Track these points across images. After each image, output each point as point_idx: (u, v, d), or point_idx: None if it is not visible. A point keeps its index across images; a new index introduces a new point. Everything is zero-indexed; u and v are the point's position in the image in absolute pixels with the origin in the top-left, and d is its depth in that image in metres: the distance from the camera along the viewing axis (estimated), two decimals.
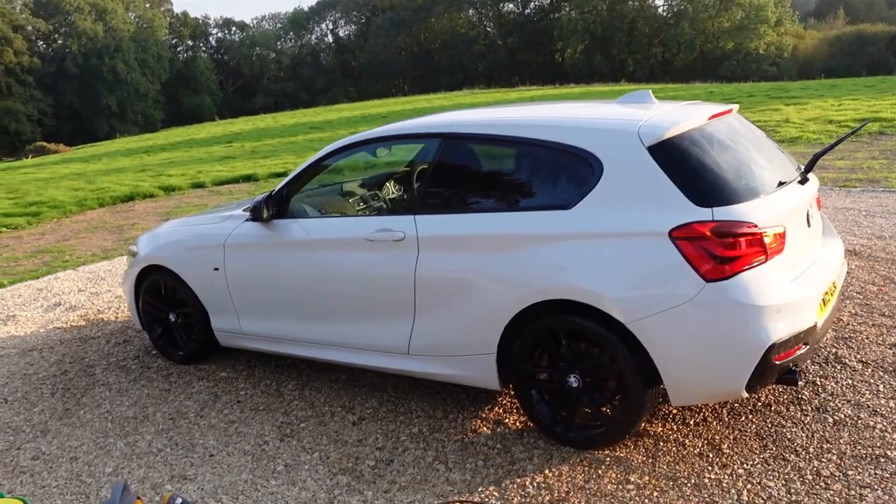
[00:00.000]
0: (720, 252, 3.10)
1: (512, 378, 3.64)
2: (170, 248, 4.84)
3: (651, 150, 3.29)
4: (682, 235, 3.14)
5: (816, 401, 3.74)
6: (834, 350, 4.28)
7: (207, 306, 4.71)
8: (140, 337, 5.58)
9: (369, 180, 5.27)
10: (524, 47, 66.84)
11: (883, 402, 3.67)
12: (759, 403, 3.76)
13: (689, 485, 3.14)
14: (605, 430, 3.43)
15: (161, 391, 4.60)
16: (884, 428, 3.44)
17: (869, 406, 3.64)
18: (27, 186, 18.16)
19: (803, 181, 3.63)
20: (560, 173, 3.58)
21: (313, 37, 77.44)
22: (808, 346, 3.30)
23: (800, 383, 3.40)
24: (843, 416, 3.58)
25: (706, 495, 3.06)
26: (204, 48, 75.79)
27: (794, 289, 3.24)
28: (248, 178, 15.32)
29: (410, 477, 3.40)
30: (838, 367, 4.07)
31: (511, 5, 70.02)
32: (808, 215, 3.59)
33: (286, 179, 4.39)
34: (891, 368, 4.00)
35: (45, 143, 41.43)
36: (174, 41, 72.19)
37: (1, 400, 4.68)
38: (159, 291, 4.97)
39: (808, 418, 3.59)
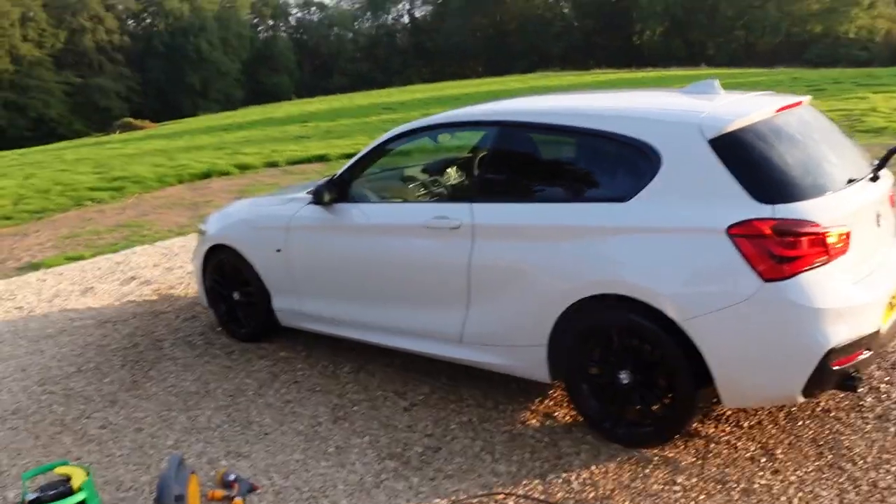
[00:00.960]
0: (779, 251, 3.00)
1: (562, 371, 3.62)
2: (235, 228, 4.99)
3: (712, 144, 3.21)
4: (741, 232, 3.05)
5: (879, 408, 3.60)
6: None
7: (269, 286, 4.83)
8: (207, 313, 5.77)
9: (431, 165, 5.29)
10: (601, 29, 65.50)
11: None
12: (818, 409, 3.64)
13: (737, 489, 3.08)
14: (654, 429, 3.39)
15: (223, 368, 4.76)
16: None
17: None
18: (113, 161, 18.89)
19: (875, 178, 3.48)
20: (618, 165, 3.53)
21: (390, 17, 77.66)
22: (870, 352, 3.18)
23: (860, 389, 3.28)
24: None
25: (754, 501, 3.00)
26: (284, 28, 77.03)
27: (856, 292, 3.12)
28: (320, 159, 15.56)
29: (457, 466, 3.44)
30: None
31: None
32: (877, 215, 3.44)
33: (348, 164, 4.46)
34: None
35: (132, 120, 42.87)
36: (255, 21, 73.58)
37: (75, 369, 4.92)
38: (225, 270, 5.12)
39: (869, 426, 3.46)
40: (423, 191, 4.90)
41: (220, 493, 3.28)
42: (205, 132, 28.05)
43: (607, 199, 3.42)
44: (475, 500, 3.15)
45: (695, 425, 3.57)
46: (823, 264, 3.06)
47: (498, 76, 48.69)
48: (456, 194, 4.71)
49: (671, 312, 3.15)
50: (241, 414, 4.11)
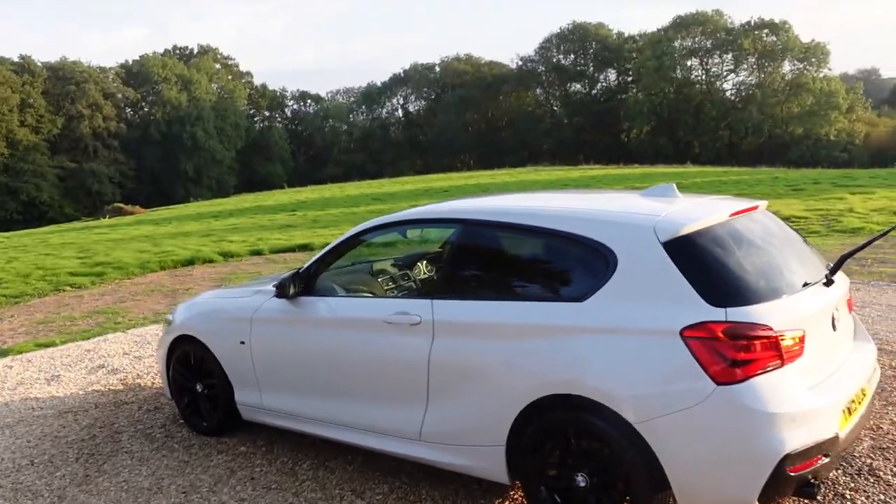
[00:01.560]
0: (732, 354, 3.00)
1: (520, 472, 3.54)
2: (200, 318, 4.96)
3: (666, 246, 3.25)
4: (694, 335, 3.06)
5: None
6: (869, 461, 4.05)
7: (232, 379, 4.77)
8: (170, 405, 5.66)
9: (399, 260, 5.33)
10: (590, 127, 67.41)
11: None
12: None
13: None
14: None
15: (180, 462, 4.64)
16: None
17: None
18: (97, 246, 18.96)
19: (829, 283, 3.51)
20: (575, 265, 3.56)
21: (384, 111, 79.83)
22: (828, 458, 3.14)
23: (818, 497, 3.21)
24: None
25: None
26: (279, 119, 78.97)
27: (812, 396, 3.10)
28: (304, 248, 15.64)
29: None
30: (871, 481, 3.84)
31: (578, 86, 71.09)
32: (833, 318, 3.46)
33: (315, 257, 4.48)
34: None
35: (122, 205, 43.31)
36: (252, 111, 75.42)
37: (28, 462, 4.79)
38: (189, 361, 5.06)
39: None
40: (389, 285, 4.92)
41: None
42: (194, 219, 28.28)
43: (564, 298, 3.44)
44: None
45: None
46: (777, 368, 3.06)
47: (489, 169, 49.70)
48: (419, 290, 4.73)
49: (626, 414, 3.12)
50: None
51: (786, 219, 14.61)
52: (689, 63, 62.43)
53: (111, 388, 6.32)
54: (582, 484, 3.34)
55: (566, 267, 3.63)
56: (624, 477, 3.22)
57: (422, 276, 5.12)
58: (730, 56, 61.84)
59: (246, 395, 4.71)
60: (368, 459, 4.47)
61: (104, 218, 37.43)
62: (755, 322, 3.05)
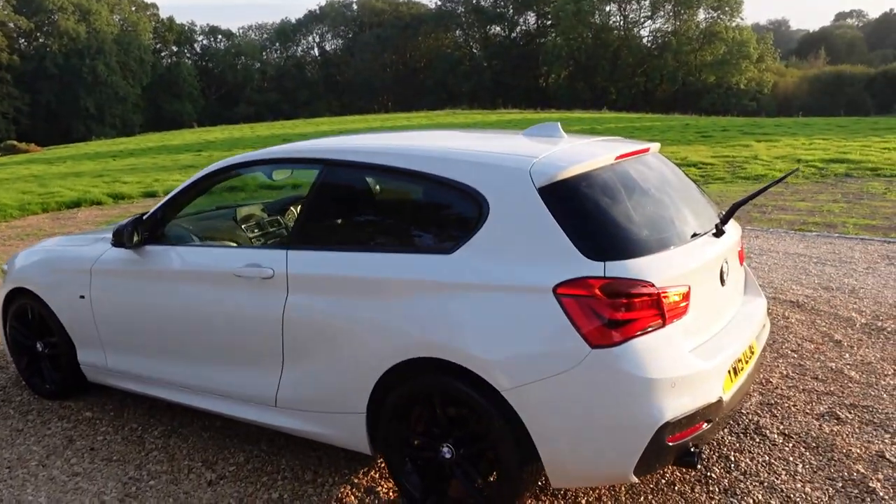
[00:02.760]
0: (610, 314, 2.68)
1: (381, 442, 3.18)
2: (37, 269, 4.37)
3: (542, 192, 2.88)
4: (568, 292, 2.72)
5: (727, 480, 3.32)
6: (756, 418, 3.88)
7: (73, 337, 4.23)
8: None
9: (273, 204, 4.82)
10: (509, 70, 66.82)
11: (798, 486, 3.25)
12: (663, 481, 3.33)
13: None
14: None
15: (12, 431, 4.10)
16: None
17: (783, 491, 3.22)
18: None
19: (719, 234, 3.23)
20: (444, 213, 3.17)
21: (299, 49, 77.06)
22: (710, 424, 2.89)
23: (699, 466, 2.98)
24: (751, 501, 3.15)
25: None
26: (188, 54, 75.16)
27: (694, 360, 2.83)
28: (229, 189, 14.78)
29: None
30: (757, 440, 3.66)
31: (498, 28, 70.12)
32: (722, 272, 3.19)
33: (163, 201, 3.94)
34: (813, 444, 3.59)
35: (15, 143, 40.52)
36: (158, 46, 71.40)
37: None
38: (27, 317, 4.48)
39: (713, 502, 3.16)
40: (255, 233, 4.43)
41: None
42: (91, 158, 26.66)
43: (431, 250, 3.05)
44: None
45: (528, 502, 3.19)
46: (659, 328, 2.76)
47: (406, 111, 48.74)
48: (274, 240, 4.26)
49: (493, 380, 2.78)
50: (12, 491, 3.48)
51: (693, 165, 14.70)
52: (607, 8, 62.20)
53: None
54: (448, 455, 3.01)
55: (434, 215, 3.23)
56: (492, 448, 2.90)
57: (272, 225, 4.61)
58: (647, 2, 62.00)
59: (89, 356, 4.19)
60: (227, 425, 4.05)
61: None
62: (636, 278, 2.73)
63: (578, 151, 3.17)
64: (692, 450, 2.85)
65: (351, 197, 3.46)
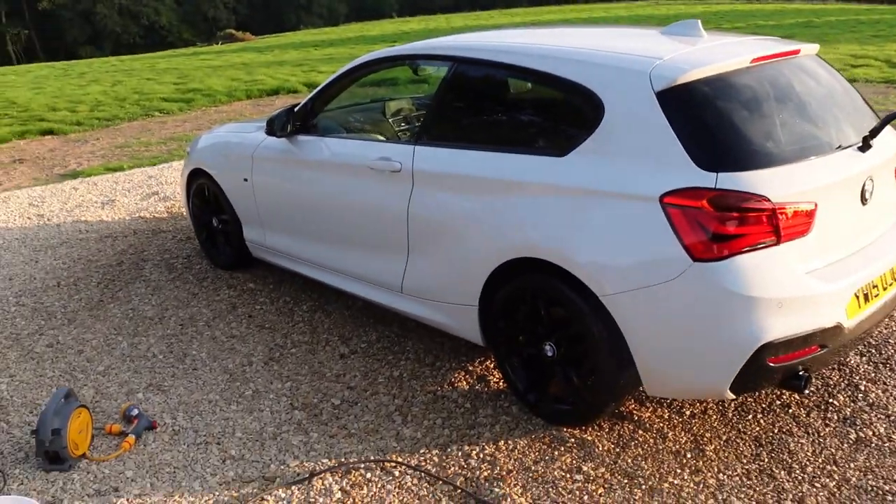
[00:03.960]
0: (715, 227, 2.58)
1: (492, 337, 3.33)
2: (211, 153, 4.84)
3: (660, 96, 2.76)
4: (675, 202, 2.64)
5: (848, 409, 3.15)
6: None
7: (240, 215, 4.70)
8: None
9: (422, 98, 4.95)
10: None
11: None
12: (778, 403, 3.23)
13: (643, 487, 2.76)
14: (573, 408, 3.08)
15: (188, 294, 4.70)
16: None
17: None
18: (196, 73, 19.19)
19: (865, 147, 2.94)
20: (562, 114, 3.15)
21: None
22: (825, 350, 2.74)
23: (807, 391, 2.85)
24: (870, 433, 2.99)
25: (657, 503, 2.68)
26: None
27: (810, 281, 2.67)
28: (388, 83, 15.24)
29: (364, 424, 3.24)
30: None
31: None
32: (863, 190, 2.92)
33: (313, 93, 4.19)
34: None
35: (234, 31, 43.44)
36: None
37: (55, 283, 4.98)
38: (205, 195, 5.01)
39: (828, 430, 3.03)
40: (401, 126, 4.59)
41: (117, 427, 3.22)
42: (296, 47, 28.08)
43: (546, 152, 3.04)
44: (362, 466, 2.96)
45: (630, 407, 3.24)
46: (771, 245, 2.62)
47: (607, 2, 46.50)
48: (407, 134, 4.39)
49: (591, 285, 2.80)
50: (181, 345, 4.03)
51: None
52: None
53: (156, 215, 6.45)
54: (549, 354, 3.10)
55: (552, 116, 3.21)
56: (590, 351, 2.95)
57: (408, 120, 4.73)
58: None
59: (252, 233, 4.64)
60: (367, 306, 4.37)
61: (217, 44, 37.81)
62: (749, 191, 2.59)
63: (711, 53, 2.97)
64: (801, 373, 2.73)
65: (474, 95, 3.50)
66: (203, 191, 4.99)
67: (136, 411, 3.30)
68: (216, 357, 3.88)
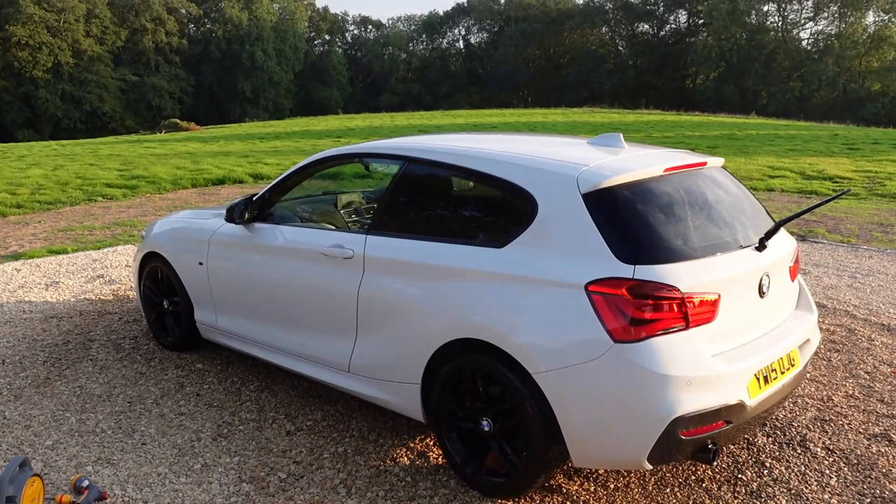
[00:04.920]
0: (633, 312, 2.94)
1: (433, 413, 3.58)
2: (167, 237, 5.06)
3: (586, 198, 3.16)
4: (598, 290, 3.00)
5: (755, 484, 3.48)
6: (805, 431, 3.97)
7: (192, 298, 4.89)
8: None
9: (371, 193, 5.31)
10: (654, 69, 65.33)
11: (826, 497, 3.37)
12: (693, 478, 3.53)
13: None
14: (507, 481, 3.32)
15: (136, 374, 4.81)
16: None
17: (808, 499, 3.35)
18: (141, 160, 19.35)
19: (761, 248, 3.38)
20: (501, 210, 3.52)
21: (444, 41, 78.66)
22: (731, 425, 3.08)
23: (715, 463, 3.17)
24: None
25: None
26: (339, 43, 78.44)
27: (715, 362, 3.03)
28: (333, 176, 15.70)
29: (310, 496, 3.41)
30: (799, 451, 3.77)
31: (646, 26, 68.64)
32: (761, 284, 3.34)
33: (270, 184, 4.50)
34: (855, 461, 3.66)
35: (178, 121, 43.83)
36: (312, 34, 75.05)
37: (0, 361, 5.02)
38: (157, 277, 5.19)
39: (736, 502, 3.34)
40: (352, 218, 4.92)
41: (67, 497, 3.30)
42: (241, 139, 28.57)
43: (486, 243, 3.39)
44: None
45: (559, 480, 3.49)
46: (681, 330, 2.99)
47: (545, 108, 48.83)
48: (358, 224, 4.74)
49: (525, 363, 3.10)
50: (130, 422, 4.14)
51: (829, 178, 14.11)
52: (764, 8, 59.48)
53: (101, 297, 6.54)
54: (486, 428, 3.36)
55: (492, 212, 3.59)
56: (523, 425, 3.22)
57: (360, 212, 5.08)
58: (810, 3, 58.72)
59: (204, 315, 4.83)
60: (312, 386, 4.57)
61: (160, 132, 38.09)
62: (661, 282, 2.97)
63: (630, 162, 3.41)
64: (710, 446, 3.05)
65: (423, 190, 3.86)
66: (156, 273, 5.18)
67: (86, 482, 3.39)
68: (165, 433, 4.00)
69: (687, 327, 3.00)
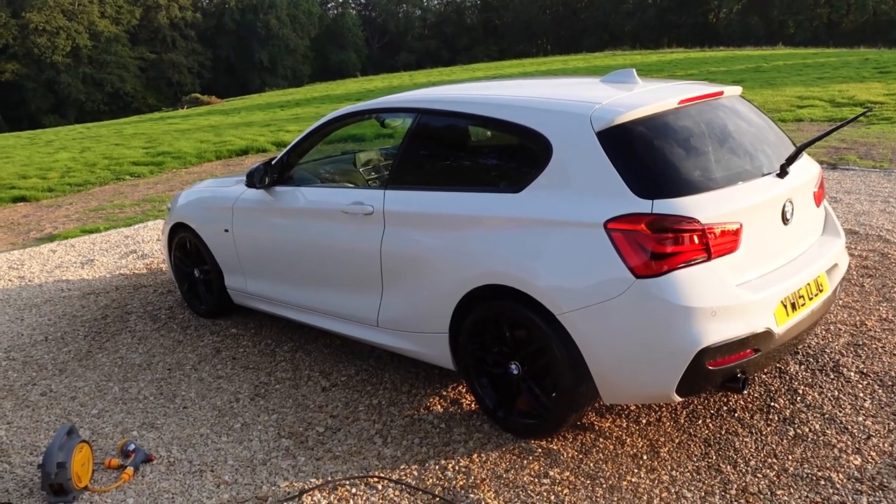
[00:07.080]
0: (653, 247, 2.93)
1: (462, 360, 3.62)
2: (192, 207, 5.13)
3: (600, 136, 3.14)
4: (617, 227, 2.99)
5: (788, 411, 3.49)
6: (838, 357, 3.95)
7: (221, 265, 4.97)
8: None
9: (389, 149, 5.31)
10: (675, 7, 63.62)
11: (860, 419, 3.37)
12: (725, 408, 3.55)
13: (604, 486, 3.05)
14: (539, 422, 3.37)
15: (174, 342, 4.93)
16: (843, 448, 3.17)
17: (841, 422, 3.35)
18: (165, 136, 19.53)
19: (783, 174, 3.33)
20: (516, 155, 3.51)
21: None
22: (759, 353, 3.08)
23: (745, 391, 3.18)
24: (807, 430, 3.32)
25: (615, 499, 2.96)
26: (353, 5, 77.62)
27: (738, 291, 3.02)
28: (355, 138, 15.69)
29: (347, 447, 3.49)
30: (832, 377, 3.76)
31: None
32: (784, 211, 3.30)
33: (288, 147, 4.52)
34: (890, 383, 3.65)
35: (199, 95, 44.00)
36: None
37: (43, 338, 5.17)
38: (186, 247, 5.28)
39: (769, 429, 3.35)
40: (371, 175, 4.94)
41: (115, 461, 3.43)
42: (262, 108, 28.59)
43: (503, 189, 3.39)
44: (348, 482, 3.20)
45: (591, 419, 3.54)
46: (703, 262, 2.98)
47: (564, 55, 48.00)
48: (376, 180, 4.75)
49: (548, 305, 3.12)
50: (171, 387, 4.26)
51: (859, 104, 13.75)
52: None
53: (136, 271, 6.68)
54: (515, 372, 3.40)
55: (507, 157, 3.58)
56: (552, 367, 3.26)
57: (378, 168, 5.09)
58: None
59: (233, 281, 4.91)
60: (344, 343, 4.65)
61: (182, 108, 38.27)
62: (680, 214, 2.95)
63: (644, 97, 3.37)
64: (739, 375, 3.06)
65: (437, 142, 3.86)
66: (185, 244, 5.27)
67: (132, 446, 3.52)
68: (204, 396, 4.12)
69: (709, 258, 2.99)
